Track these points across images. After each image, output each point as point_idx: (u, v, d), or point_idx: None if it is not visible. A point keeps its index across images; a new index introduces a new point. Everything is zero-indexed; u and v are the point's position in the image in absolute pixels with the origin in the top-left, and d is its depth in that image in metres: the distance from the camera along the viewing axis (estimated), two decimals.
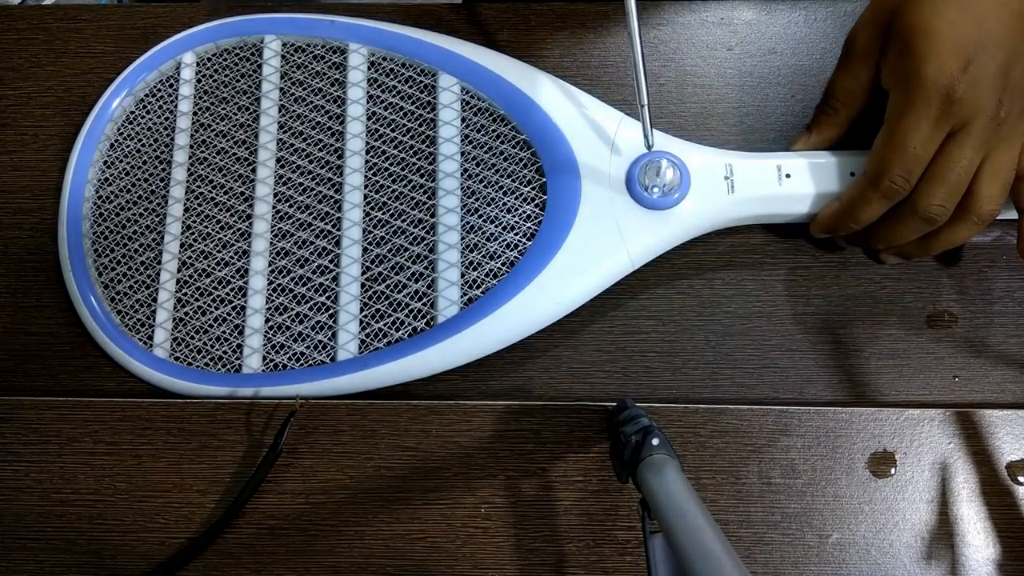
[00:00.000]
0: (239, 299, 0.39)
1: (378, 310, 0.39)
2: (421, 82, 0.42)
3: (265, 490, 0.36)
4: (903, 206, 0.35)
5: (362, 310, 0.39)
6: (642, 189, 0.38)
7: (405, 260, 0.39)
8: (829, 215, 0.38)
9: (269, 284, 0.39)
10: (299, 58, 0.43)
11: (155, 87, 0.43)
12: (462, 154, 0.40)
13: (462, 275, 0.38)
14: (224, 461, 0.37)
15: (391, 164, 0.41)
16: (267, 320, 0.39)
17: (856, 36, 0.37)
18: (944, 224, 0.35)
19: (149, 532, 0.36)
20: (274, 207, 0.40)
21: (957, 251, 0.40)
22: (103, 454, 0.37)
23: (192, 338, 0.39)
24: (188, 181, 0.41)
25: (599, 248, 0.38)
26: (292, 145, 0.41)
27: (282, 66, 0.43)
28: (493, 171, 0.40)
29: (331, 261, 0.39)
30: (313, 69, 0.43)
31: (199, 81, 0.43)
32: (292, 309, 0.39)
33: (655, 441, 0.30)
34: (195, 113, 0.42)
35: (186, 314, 0.39)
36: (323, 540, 0.36)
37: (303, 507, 0.36)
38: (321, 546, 0.36)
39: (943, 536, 0.35)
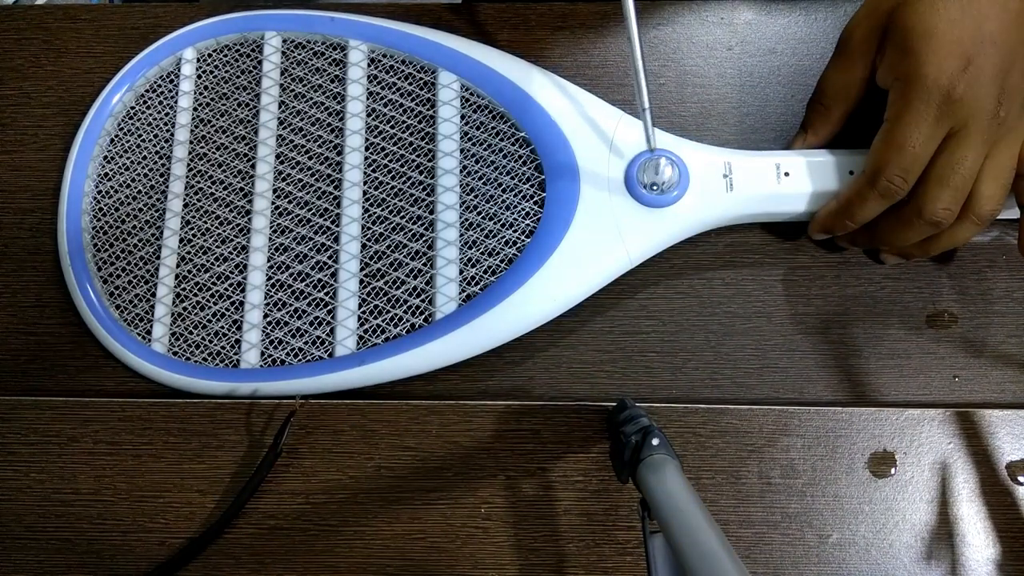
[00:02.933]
0: (237, 294, 0.39)
1: (376, 306, 0.39)
2: (421, 79, 0.42)
3: (265, 490, 0.36)
4: (908, 210, 0.35)
5: (360, 306, 0.39)
6: (641, 187, 0.38)
7: (404, 256, 0.39)
8: (826, 214, 0.38)
9: (268, 280, 0.39)
10: (299, 54, 0.43)
11: (155, 83, 0.43)
12: (461, 151, 0.40)
13: (461, 272, 0.38)
14: (224, 461, 0.37)
15: (390, 160, 0.41)
16: (265, 315, 0.39)
17: (851, 33, 0.37)
18: None
19: (149, 532, 0.36)
20: (273, 203, 0.40)
21: (957, 251, 0.40)
22: (103, 454, 0.37)
23: (190, 333, 0.39)
24: (187, 176, 0.41)
25: (598, 245, 0.38)
26: (292, 141, 0.41)
27: (282, 62, 0.43)
28: (492, 168, 0.40)
29: (330, 257, 0.39)
30: (313, 65, 0.43)
31: (199, 77, 0.43)
32: (290, 305, 0.39)
33: (655, 441, 0.30)
34: (195, 109, 0.42)
35: (185, 309, 0.39)
36: (323, 540, 0.36)
37: (303, 507, 0.36)
38: (321, 546, 0.36)
39: (943, 536, 0.35)
